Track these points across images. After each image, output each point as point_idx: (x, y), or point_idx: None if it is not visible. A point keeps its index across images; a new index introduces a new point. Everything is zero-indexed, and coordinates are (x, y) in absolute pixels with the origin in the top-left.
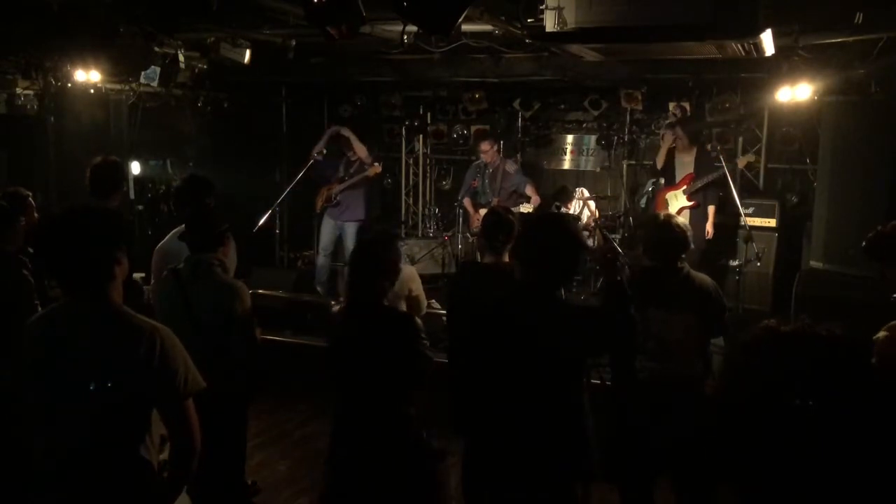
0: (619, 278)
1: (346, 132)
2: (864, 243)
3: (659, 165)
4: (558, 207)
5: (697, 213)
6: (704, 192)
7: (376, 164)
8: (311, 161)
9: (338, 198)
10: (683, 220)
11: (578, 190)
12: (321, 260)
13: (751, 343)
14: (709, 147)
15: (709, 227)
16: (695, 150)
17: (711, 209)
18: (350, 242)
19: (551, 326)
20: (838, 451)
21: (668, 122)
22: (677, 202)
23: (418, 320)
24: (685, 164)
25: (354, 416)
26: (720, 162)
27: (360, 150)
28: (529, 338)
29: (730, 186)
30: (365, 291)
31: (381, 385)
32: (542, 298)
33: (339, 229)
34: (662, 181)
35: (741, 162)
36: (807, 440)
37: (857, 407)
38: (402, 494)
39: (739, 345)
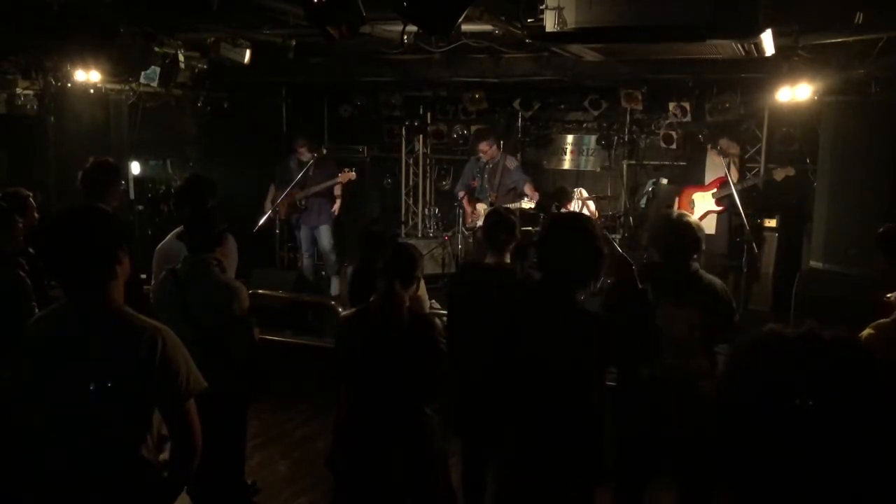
0: (640, 285)
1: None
2: (879, 232)
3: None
4: (558, 208)
5: (722, 218)
6: (730, 197)
7: (346, 169)
8: (313, 159)
9: (304, 203)
10: (696, 219)
11: (577, 190)
12: (305, 262)
13: (755, 346)
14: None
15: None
16: (733, 150)
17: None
18: (326, 243)
19: (569, 332)
20: (844, 455)
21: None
22: (704, 204)
23: (438, 322)
24: (716, 165)
25: (374, 417)
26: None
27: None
28: (547, 342)
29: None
30: (397, 294)
31: (404, 386)
32: (559, 303)
33: (311, 230)
34: (665, 181)
35: (779, 174)
36: (813, 444)
37: (864, 411)
38: (419, 495)
39: (742, 347)
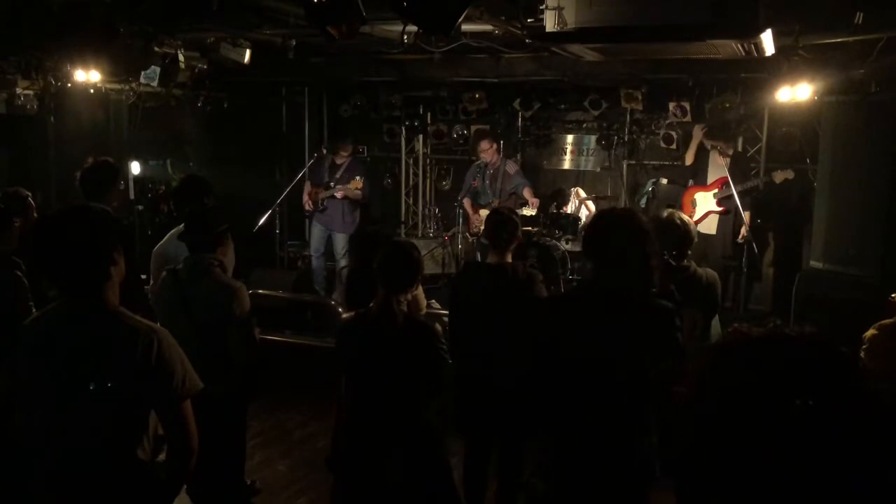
0: (671, 287)
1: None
2: None
3: (688, 161)
4: (557, 208)
5: (725, 219)
6: (731, 198)
7: (358, 177)
8: (315, 155)
9: (324, 203)
10: (686, 216)
11: (574, 190)
12: (315, 262)
13: (721, 349)
14: (740, 150)
15: (744, 229)
16: (731, 152)
17: (747, 215)
18: (341, 249)
19: (624, 330)
20: (815, 452)
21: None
22: (706, 204)
23: (438, 326)
24: (718, 165)
25: (375, 419)
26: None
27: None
28: (604, 341)
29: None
30: (393, 303)
31: (404, 389)
32: (616, 300)
33: (327, 233)
34: (665, 181)
35: (778, 177)
36: (784, 443)
37: (832, 406)
38: (420, 495)
39: (709, 351)
